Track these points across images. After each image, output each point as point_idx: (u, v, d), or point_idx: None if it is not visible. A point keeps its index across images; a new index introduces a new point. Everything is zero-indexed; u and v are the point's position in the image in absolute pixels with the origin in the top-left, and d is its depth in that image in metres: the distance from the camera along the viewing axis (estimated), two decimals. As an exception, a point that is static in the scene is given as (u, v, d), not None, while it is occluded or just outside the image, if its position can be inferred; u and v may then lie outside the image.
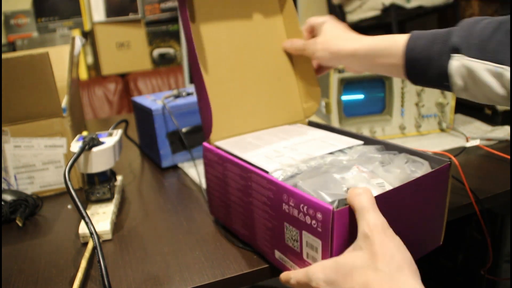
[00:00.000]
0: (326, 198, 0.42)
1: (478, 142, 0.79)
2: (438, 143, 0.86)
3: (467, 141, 0.82)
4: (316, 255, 0.42)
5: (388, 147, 0.56)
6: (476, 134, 0.88)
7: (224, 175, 0.56)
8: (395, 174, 0.47)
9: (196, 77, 0.58)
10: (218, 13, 0.63)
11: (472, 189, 0.62)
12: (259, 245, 0.53)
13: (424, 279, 0.36)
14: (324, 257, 0.41)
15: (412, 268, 0.36)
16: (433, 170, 0.47)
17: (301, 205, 0.42)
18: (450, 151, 0.79)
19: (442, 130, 0.94)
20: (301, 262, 0.45)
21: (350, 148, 0.56)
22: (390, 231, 0.38)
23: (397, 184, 0.45)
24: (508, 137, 0.84)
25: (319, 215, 0.40)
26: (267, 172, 0.49)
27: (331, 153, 0.54)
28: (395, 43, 0.53)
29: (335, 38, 0.59)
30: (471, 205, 0.62)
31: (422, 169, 0.48)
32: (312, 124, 0.68)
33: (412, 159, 0.51)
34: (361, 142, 0.57)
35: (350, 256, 0.38)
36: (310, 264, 0.44)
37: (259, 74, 0.66)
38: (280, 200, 0.45)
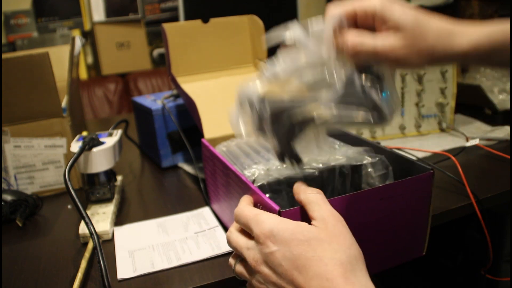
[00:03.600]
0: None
1: (477, 141, 0.79)
2: (438, 143, 0.86)
3: (467, 141, 0.82)
4: None
5: (378, 150, 0.56)
6: (476, 134, 0.87)
7: (214, 170, 0.59)
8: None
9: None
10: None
11: (472, 189, 0.62)
12: None
13: (424, 279, 0.36)
14: None
15: (363, 262, 0.36)
16: (407, 178, 0.46)
17: (258, 204, 0.44)
18: (450, 151, 0.79)
19: (442, 130, 0.94)
20: None
21: (335, 148, 0.56)
22: (344, 222, 0.38)
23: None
24: (508, 137, 0.84)
25: None
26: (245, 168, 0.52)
27: None
28: None
29: (436, 35, 0.37)
30: (471, 205, 0.62)
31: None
32: None
33: (387, 165, 0.51)
34: (349, 145, 0.57)
35: (304, 225, 0.37)
36: None
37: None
38: None
